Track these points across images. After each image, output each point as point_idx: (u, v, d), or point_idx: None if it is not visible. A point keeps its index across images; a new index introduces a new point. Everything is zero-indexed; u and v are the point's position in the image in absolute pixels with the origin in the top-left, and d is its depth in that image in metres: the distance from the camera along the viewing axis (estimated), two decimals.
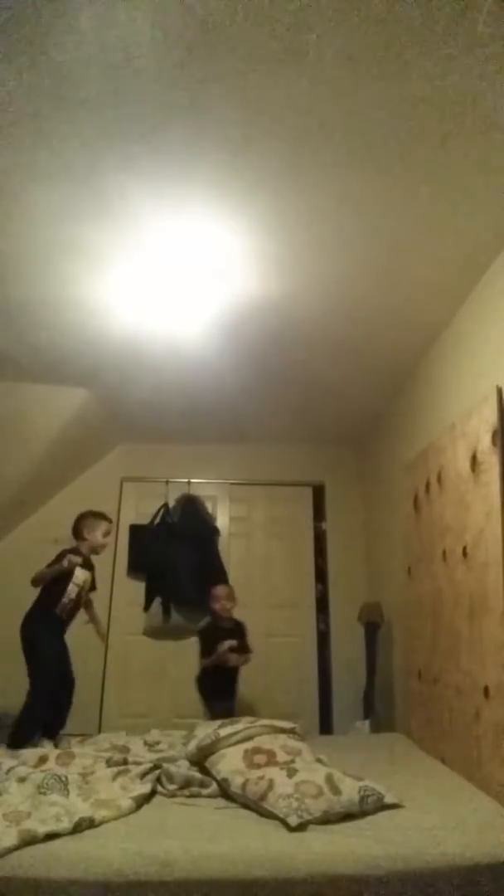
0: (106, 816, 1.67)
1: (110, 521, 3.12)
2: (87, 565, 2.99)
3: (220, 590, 3.43)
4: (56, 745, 2.56)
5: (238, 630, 3.33)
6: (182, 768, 2.01)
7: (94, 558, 3.09)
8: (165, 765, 2.05)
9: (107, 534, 3.07)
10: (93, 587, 3.06)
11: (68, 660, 2.92)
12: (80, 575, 2.89)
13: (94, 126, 1.57)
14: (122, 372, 3.12)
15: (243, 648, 3.25)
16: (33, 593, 2.88)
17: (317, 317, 2.59)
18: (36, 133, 1.59)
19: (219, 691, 3.21)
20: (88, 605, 3.06)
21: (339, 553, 4.29)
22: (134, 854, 1.48)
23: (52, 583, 2.82)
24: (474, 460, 2.15)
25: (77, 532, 3.02)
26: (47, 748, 2.35)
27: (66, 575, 2.83)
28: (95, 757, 2.16)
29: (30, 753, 2.20)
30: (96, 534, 3.01)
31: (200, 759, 2.07)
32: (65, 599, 2.84)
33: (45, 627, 2.81)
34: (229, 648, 3.14)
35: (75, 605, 2.92)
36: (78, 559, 2.84)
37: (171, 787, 1.93)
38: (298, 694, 3.99)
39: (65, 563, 2.79)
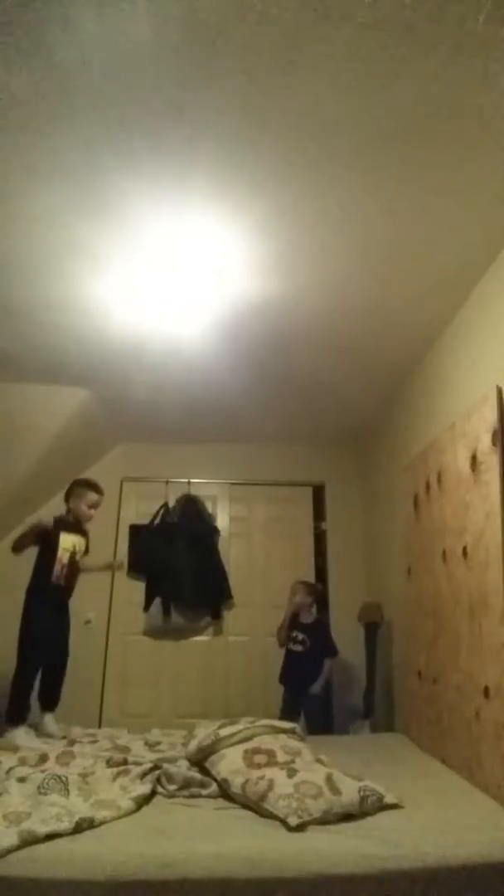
0: (106, 817, 1.67)
1: (101, 493, 3.10)
2: (79, 531, 2.99)
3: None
4: (50, 712, 2.68)
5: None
6: (182, 769, 2.01)
7: (97, 559, 3.11)
8: (165, 765, 2.04)
9: (92, 505, 3.05)
10: (86, 552, 3.07)
11: (64, 632, 2.93)
12: (67, 539, 2.89)
13: (94, 126, 1.57)
14: (122, 372, 3.12)
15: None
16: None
17: (317, 317, 2.59)
18: (36, 133, 1.59)
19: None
20: (89, 569, 3.09)
21: (339, 553, 4.29)
22: (134, 854, 1.48)
23: (42, 553, 2.83)
24: (474, 460, 2.15)
25: (67, 497, 3.04)
26: (48, 746, 2.35)
27: (50, 542, 2.84)
28: (95, 757, 2.16)
29: (29, 753, 2.20)
30: (81, 503, 3.01)
31: (200, 760, 2.07)
32: (57, 566, 2.84)
33: (38, 599, 2.83)
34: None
35: (71, 570, 2.92)
36: (49, 521, 2.86)
37: (171, 787, 1.93)
38: None
39: (36, 522, 2.83)
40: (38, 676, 2.81)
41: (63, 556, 2.88)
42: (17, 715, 2.59)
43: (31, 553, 2.98)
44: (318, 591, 3.62)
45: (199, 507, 4.24)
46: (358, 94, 1.48)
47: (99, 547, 3.78)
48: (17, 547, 2.85)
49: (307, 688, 3.30)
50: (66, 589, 2.94)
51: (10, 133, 1.59)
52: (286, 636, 3.55)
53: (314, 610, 3.61)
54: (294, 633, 3.51)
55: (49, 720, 2.73)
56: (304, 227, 2.00)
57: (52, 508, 3.20)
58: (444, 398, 2.66)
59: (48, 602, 2.87)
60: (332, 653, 3.44)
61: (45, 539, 2.86)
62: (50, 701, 2.82)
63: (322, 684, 3.34)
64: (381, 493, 3.81)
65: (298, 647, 3.46)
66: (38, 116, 1.54)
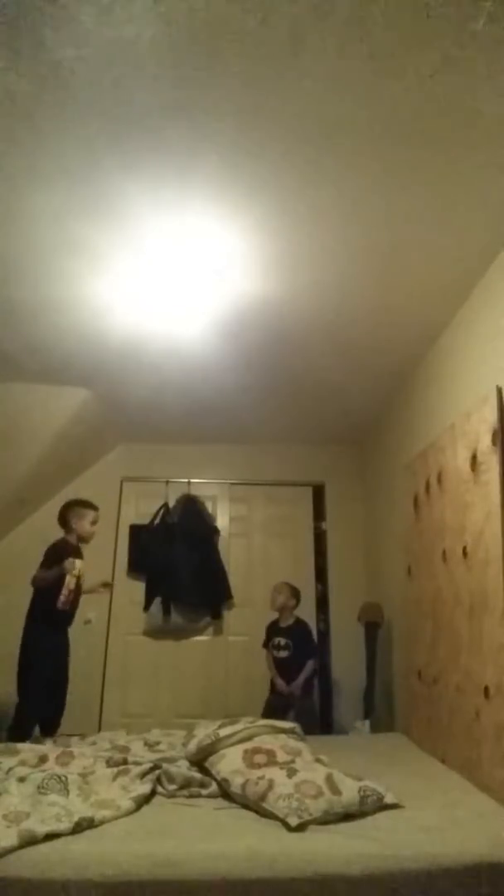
0: (106, 816, 1.67)
1: (97, 509, 3.11)
2: (80, 554, 2.99)
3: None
4: (55, 743, 2.57)
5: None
6: (182, 768, 2.01)
7: (97, 559, 3.10)
8: (165, 765, 2.04)
9: (94, 522, 3.06)
10: None
11: (65, 659, 2.92)
12: (74, 565, 2.88)
13: (94, 126, 1.57)
14: (122, 372, 3.12)
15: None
16: (32, 592, 2.89)
17: (317, 317, 2.59)
18: (36, 133, 1.59)
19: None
20: (88, 590, 3.10)
21: (339, 553, 4.29)
22: (134, 854, 1.48)
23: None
24: (474, 460, 2.15)
25: (64, 521, 3.02)
26: (47, 746, 2.35)
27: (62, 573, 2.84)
28: (95, 757, 2.16)
29: (30, 753, 2.20)
30: (84, 522, 3.01)
31: (200, 759, 2.07)
32: (64, 592, 2.84)
33: (44, 626, 2.81)
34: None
35: (76, 594, 2.93)
36: (77, 562, 2.84)
37: (171, 787, 1.93)
38: None
39: (66, 565, 2.79)
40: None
41: (70, 582, 2.86)
42: (18, 739, 2.54)
43: (32, 555, 2.97)
44: (300, 594, 3.62)
45: (199, 507, 4.24)
46: (358, 94, 1.48)
47: (99, 547, 3.80)
48: (38, 583, 2.83)
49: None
50: (70, 614, 2.93)
51: (10, 133, 1.59)
52: (266, 639, 3.58)
53: (294, 612, 3.59)
54: (276, 640, 3.50)
55: (47, 744, 2.70)
56: (304, 227, 2.00)
57: (53, 508, 3.20)
58: (444, 398, 2.66)
59: (51, 629, 2.85)
60: (313, 653, 3.45)
61: (53, 563, 2.84)
62: (51, 728, 2.80)
63: (300, 684, 3.32)
64: (381, 493, 3.81)
65: (283, 654, 3.44)
66: (38, 116, 1.54)
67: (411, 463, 2.97)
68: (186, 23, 1.30)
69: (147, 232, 2.01)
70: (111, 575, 4.08)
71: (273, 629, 3.56)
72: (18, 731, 2.60)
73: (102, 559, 4.03)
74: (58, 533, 3.08)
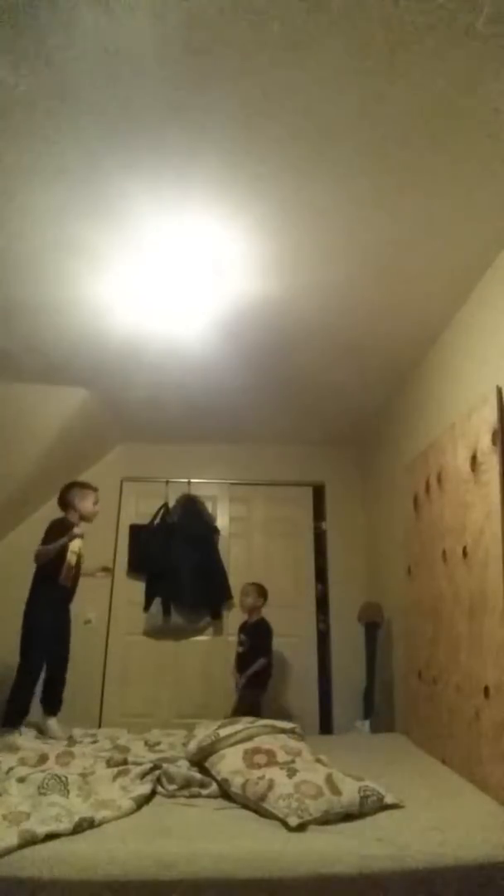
0: (106, 817, 1.67)
1: (96, 489, 3.15)
2: (80, 534, 3.02)
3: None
4: (53, 717, 2.66)
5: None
6: (182, 768, 2.01)
7: (97, 559, 3.13)
8: (165, 765, 2.04)
9: (96, 502, 3.10)
10: None
11: (66, 634, 2.95)
12: (76, 543, 2.93)
13: (94, 126, 1.57)
14: (122, 372, 3.12)
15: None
16: (35, 569, 2.91)
17: (317, 317, 2.59)
18: (36, 133, 1.59)
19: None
20: (89, 572, 3.13)
21: (339, 553, 4.29)
22: (134, 854, 1.48)
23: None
24: (474, 460, 2.15)
25: (66, 502, 3.04)
26: (47, 746, 2.35)
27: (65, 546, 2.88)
28: (95, 757, 2.16)
29: (30, 752, 2.20)
30: (87, 502, 3.05)
31: (200, 760, 2.07)
32: (65, 567, 2.88)
33: (44, 599, 2.85)
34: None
35: (77, 571, 2.96)
36: (80, 531, 2.91)
37: (171, 787, 1.93)
38: (298, 694, 3.99)
39: (66, 538, 2.84)
40: (41, 679, 2.83)
41: (71, 558, 2.91)
42: (15, 718, 2.60)
43: (25, 576, 2.98)
44: (267, 593, 3.64)
45: (199, 507, 4.24)
46: (358, 94, 1.48)
47: (99, 547, 3.81)
48: (42, 557, 2.86)
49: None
50: (71, 590, 2.96)
51: (10, 133, 1.59)
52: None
53: (261, 611, 3.62)
54: (240, 636, 3.58)
55: (52, 724, 2.73)
56: (304, 227, 2.00)
57: (52, 508, 3.20)
58: (444, 398, 2.66)
59: (53, 603, 2.89)
60: (266, 652, 3.45)
61: (56, 537, 2.88)
62: (53, 705, 2.83)
63: (247, 675, 3.36)
64: (381, 493, 3.81)
65: (240, 649, 3.53)
66: (38, 116, 1.54)
67: (411, 463, 2.97)
68: (186, 23, 1.30)
69: (147, 232, 2.01)
70: (111, 575, 4.08)
71: (243, 624, 3.64)
72: (13, 712, 2.62)
73: (102, 559, 4.02)
74: None
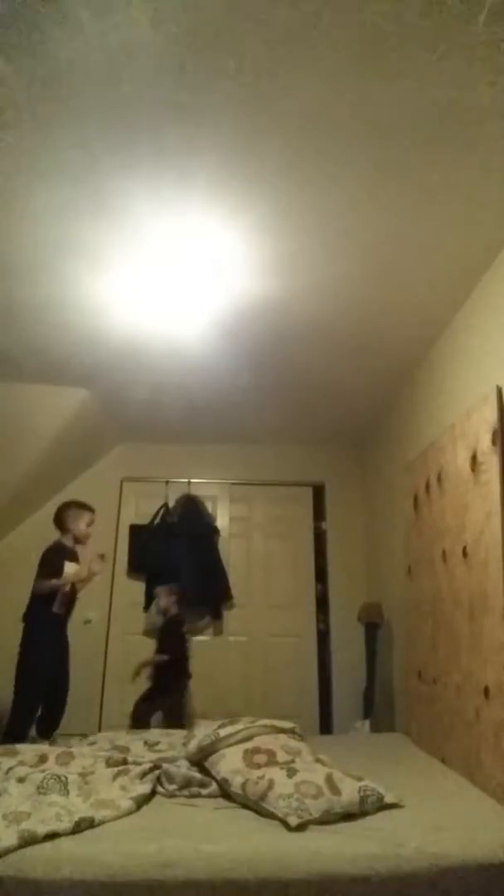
0: (106, 816, 1.67)
1: (93, 510, 3.15)
2: (76, 558, 3.00)
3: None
4: (51, 745, 2.58)
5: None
6: (182, 768, 2.01)
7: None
8: (165, 765, 2.04)
9: (90, 524, 3.10)
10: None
11: (64, 660, 2.93)
12: (71, 568, 2.93)
13: (94, 126, 1.57)
14: (122, 372, 3.12)
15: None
16: (30, 596, 2.91)
17: (317, 317, 2.59)
18: (36, 133, 1.59)
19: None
20: (85, 579, 3.13)
21: (339, 553, 4.29)
22: (134, 854, 1.48)
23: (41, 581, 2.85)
24: (474, 460, 2.15)
25: (61, 523, 3.03)
26: (46, 747, 2.35)
27: (53, 572, 2.87)
28: (95, 757, 2.16)
29: (30, 753, 2.20)
30: (80, 524, 3.05)
31: (200, 759, 2.07)
32: (58, 598, 2.88)
33: (39, 628, 2.83)
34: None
35: (71, 596, 2.95)
36: (70, 571, 2.91)
37: (171, 787, 1.93)
38: (298, 694, 3.99)
39: (60, 579, 2.86)
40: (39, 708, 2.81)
41: (65, 586, 2.91)
42: (14, 741, 2.56)
43: (32, 556, 2.98)
44: (182, 593, 3.66)
45: (199, 507, 4.24)
46: (358, 94, 1.48)
47: (99, 547, 3.80)
48: (40, 593, 2.87)
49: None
50: (66, 614, 2.96)
51: (10, 133, 1.59)
52: None
53: (174, 609, 3.64)
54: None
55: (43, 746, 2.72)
56: (305, 227, 2.00)
57: (52, 508, 3.21)
58: (444, 398, 2.66)
59: (49, 631, 2.87)
60: (168, 649, 3.46)
61: (51, 568, 2.87)
62: (49, 729, 2.81)
63: (147, 668, 3.42)
64: (381, 493, 3.81)
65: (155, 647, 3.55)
66: (38, 116, 1.54)
67: (411, 463, 2.97)
68: (186, 23, 1.30)
69: (147, 232, 2.01)
70: (111, 575, 4.09)
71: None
72: (14, 734, 2.61)
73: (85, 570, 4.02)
74: (57, 534, 3.09)
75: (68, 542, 3.00)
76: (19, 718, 2.68)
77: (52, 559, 2.90)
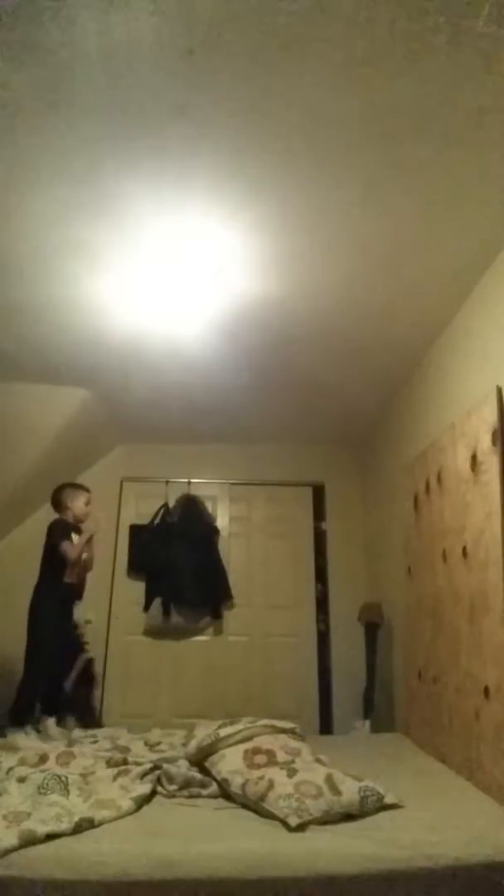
0: (106, 817, 1.67)
1: (89, 490, 3.19)
2: (78, 532, 3.06)
3: None
4: (58, 723, 2.63)
5: None
6: (182, 768, 2.01)
7: (97, 559, 3.16)
8: (165, 765, 2.04)
9: (88, 502, 3.13)
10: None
11: (74, 634, 2.97)
12: (76, 540, 2.98)
13: (94, 126, 1.57)
14: (122, 372, 3.12)
15: None
16: (40, 571, 2.93)
17: (317, 317, 2.59)
18: (36, 134, 1.59)
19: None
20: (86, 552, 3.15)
21: (339, 553, 4.29)
22: (134, 854, 1.48)
23: (51, 555, 2.87)
24: (474, 460, 2.15)
25: (59, 503, 3.07)
26: (48, 746, 2.35)
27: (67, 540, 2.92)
28: (95, 757, 2.16)
29: (30, 752, 2.20)
30: (79, 503, 3.09)
31: (200, 760, 2.07)
32: (68, 566, 2.92)
33: (52, 601, 2.87)
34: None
35: (83, 567, 2.98)
36: (93, 525, 3.01)
37: (171, 787, 1.93)
38: (298, 694, 3.99)
39: (87, 534, 2.96)
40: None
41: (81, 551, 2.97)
42: (22, 716, 2.60)
43: (32, 555, 3.00)
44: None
45: (199, 507, 4.24)
46: (358, 94, 1.48)
47: (99, 547, 3.80)
48: (77, 556, 2.93)
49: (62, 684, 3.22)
50: (78, 589, 2.97)
51: (10, 133, 1.59)
52: None
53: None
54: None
55: (51, 724, 2.73)
56: (305, 227, 2.00)
57: (52, 508, 3.21)
58: (444, 398, 2.66)
59: (60, 602, 2.90)
60: (79, 650, 3.43)
61: (55, 539, 2.90)
62: (54, 705, 2.83)
63: (72, 679, 3.29)
64: (381, 493, 3.81)
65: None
66: (38, 116, 1.54)
67: (411, 463, 2.97)
68: (186, 23, 1.30)
69: (147, 232, 2.01)
70: (111, 575, 4.09)
71: None
72: (21, 710, 2.64)
73: (103, 559, 4.03)
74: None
75: (69, 519, 3.04)
76: (29, 694, 2.70)
77: (61, 528, 2.95)
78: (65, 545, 2.89)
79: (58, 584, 2.88)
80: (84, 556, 2.97)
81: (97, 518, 3.16)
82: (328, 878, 1.44)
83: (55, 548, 2.90)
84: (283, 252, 2.15)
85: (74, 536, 2.98)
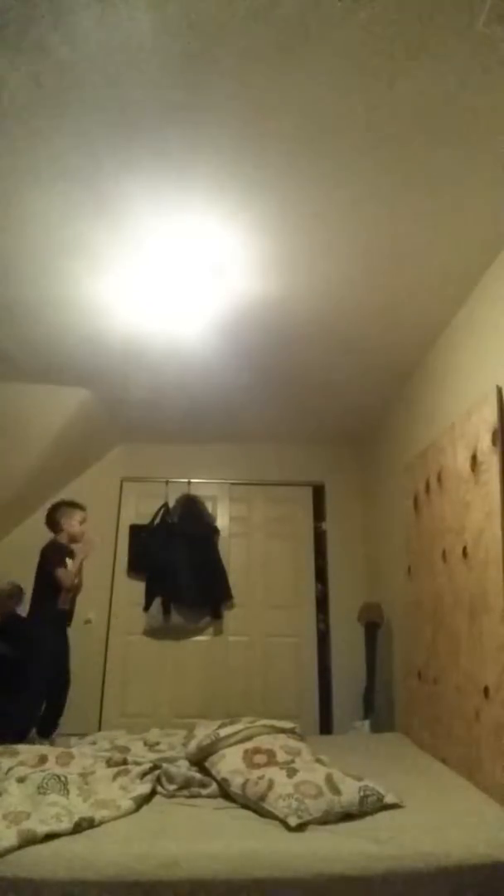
0: (106, 816, 1.67)
1: (84, 508, 3.16)
2: (71, 554, 3.05)
3: None
4: (51, 744, 2.59)
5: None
6: (182, 768, 2.01)
7: (97, 559, 3.15)
8: (165, 765, 2.04)
9: (82, 521, 3.11)
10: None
11: (66, 658, 2.94)
12: (70, 565, 2.96)
13: (94, 126, 1.57)
14: (122, 372, 3.12)
15: None
16: (33, 596, 2.91)
17: (317, 317, 2.59)
18: (36, 133, 1.59)
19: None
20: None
21: (339, 553, 4.29)
22: (134, 854, 1.48)
23: (43, 579, 2.86)
24: (474, 460, 2.15)
25: (54, 523, 3.05)
26: (47, 747, 2.35)
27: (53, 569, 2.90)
28: (95, 757, 2.16)
29: (30, 753, 2.20)
30: (73, 522, 3.08)
31: (200, 760, 2.07)
32: (63, 592, 2.90)
33: (48, 624, 2.85)
34: None
35: (74, 591, 2.97)
36: (88, 547, 2.99)
37: (171, 787, 1.93)
38: (298, 694, 3.99)
39: (82, 556, 2.94)
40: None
41: (74, 578, 2.94)
42: (15, 741, 2.56)
43: (31, 556, 2.99)
44: (14, 587, 3.49)
45: (199, 507, 4.24)
46: (358, 94, 1.48)
47: (99, 547, 3.80)
48: (72, 584, 2.93)
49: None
50: (69, 613, 2.97)
51: (10, 133, 1.59)
52: None
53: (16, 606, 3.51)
54: None
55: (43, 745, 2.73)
56: (305, 227, 2.00)
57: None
58: (444, 398, 2.66)
59: (53, 628, 2.89)
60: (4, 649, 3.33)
61: (50, 564, 2.89)
62: (49, 728, 2.82)
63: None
64: (381, 492, 3.81)
65: None
66: (38, 117, 1.54)
67: (411, 463, 2.97)
68: (186, 23, 1.30)
69: (147, 232, 2.01)
70: (111, 575, 4.09)
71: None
72: (20, 733, 2.61)
73: (103, 559, 4.03)
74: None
75: (63, 540, 3.02)
76: (25, 717, 2.69)
77: (55, 552, 2.93)
78: (60, 572, 2.85)
79: (53, 609, 2.86)
80: (76, 580, 2.95)
81: (92, 540, 3.11)
82: (328, 878, 1.45)
83: (50, 573, 2.87)
84: (284, 252, 2.15)
85: (69, 561, 2.95)
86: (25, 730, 2.67)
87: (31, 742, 2.66)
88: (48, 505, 3.23)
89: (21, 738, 2.61)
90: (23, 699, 2.70)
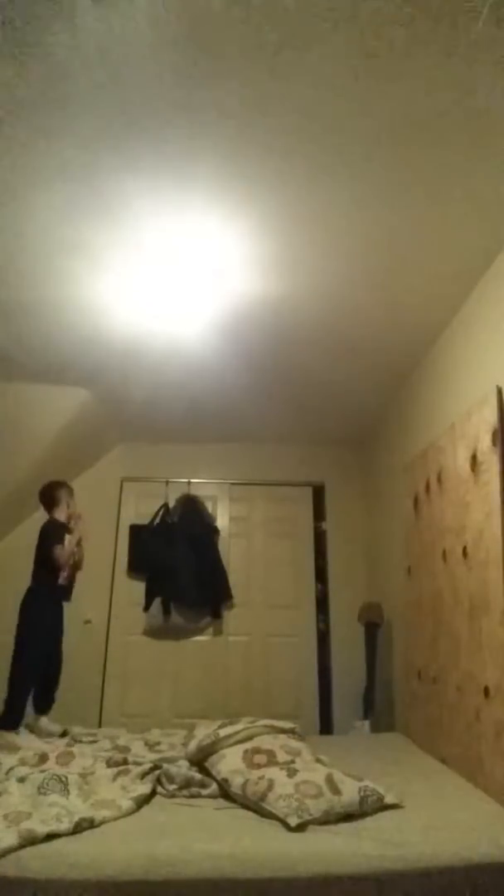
0: (106, 817, 1.67)
1: (71, 488, 3.26)
2: (69, 531, 3.11)
3: None
4: (44, 716, 2.70)
5: None
6: (182, 768, 2.01)
7: (97, 559, 3.18)
8: (165, 765, 2.05)
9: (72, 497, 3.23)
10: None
11: (59, 635, 2.98)
12: (70, 541, 3.03)
13: (93, 126, 1.57)
14: (122, 372, 3.12)
15: None
16: (34, 571, 2.95)
17: (317, 317, 2.59)
18: (36, 133, 1.59)
19: None
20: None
21: (339, 553, 4.29)
22: (134, 854, 1.48)
23: (45, 555, 2.88)
24: (474, 460, 2.15)
25: (55, 501, 3.11)
26: (47, 746, 2.35)
27: (54, 545, 2.95)
28: (95, 757, 2.16)
29: (30, 752, 2.20)
30: (72, 501, 3.19)
31: (200, 760, 2.07)
32: (61, 568, 2.95)
33: (41, 600, 2.87)
34: None
35: (74, 566, 3.03)
36: (83, 525, 3.07)
37: (171, 787, 1.93)
38: (298, 694, 3.99)
39: (77, 534, 3.01)
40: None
41: (75, 554, 3.02)
42: (12, 721, 2.61)
43: (31, 555, 3.01)
44: None
45: (199, 507, 4.24)
46: (358, 94, 1.48)
47: (99, 547, 3.82)
48: (70, 559, 2.98)
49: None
50: (69, 589, 3.00)
51: (10, 132, 1.59)
52: None
53: None
54: None
55: (44, 721, 2.75)
56: (305, 227, 2.00)
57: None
58: (444, 398, 2.66)
59: (50, 604, 2.91)
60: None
61: (50, 542, 2.92)
62: (45, 704, 2.84)
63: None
64: (381, 493, 3.81)
65: None
66: (38, 116, 1.54)
67: (411, 463, 2.97)
68: (186, 22, 1.30)
69: (147, 232, 2.01)
70: (111, 575, 4.09)
71: None
72: (10, 714, 2.65)
73: (102, 559, 4.03)
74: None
75: (62, 517, 3.06)
76: (19, 695, 2.72)
77: (54, 531, 2.99)
78: (57, 549, 2.92)
79: (51, 587, 2.90)
80: (76, 556, 2.99)
81: (84, 518, 3.20)
82: (328, 878, 1.45)
83: (49, 551, 2.91)
84: (284, 252, 2.15)
85: (67, 538, 3.02)
86: (21, 711, 2.69)
87: (28, 725, 2.69)
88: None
89: (17, 720, 2.64)
90: (16, 678, 2.73)
